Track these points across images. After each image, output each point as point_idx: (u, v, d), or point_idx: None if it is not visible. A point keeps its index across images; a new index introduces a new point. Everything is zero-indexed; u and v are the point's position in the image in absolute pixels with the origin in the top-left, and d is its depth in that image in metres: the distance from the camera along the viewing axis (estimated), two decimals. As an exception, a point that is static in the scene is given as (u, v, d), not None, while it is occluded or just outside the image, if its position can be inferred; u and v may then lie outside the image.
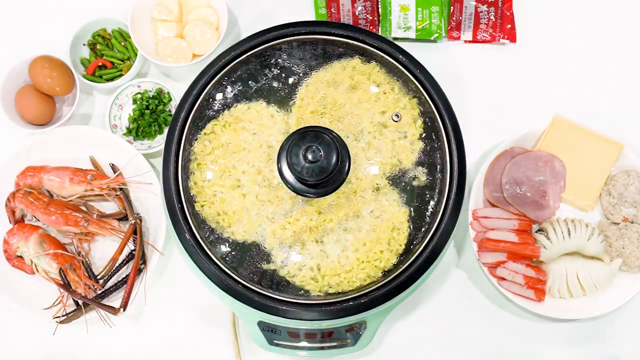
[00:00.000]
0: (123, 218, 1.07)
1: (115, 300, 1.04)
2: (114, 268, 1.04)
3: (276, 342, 0.96)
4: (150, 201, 1.08)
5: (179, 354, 1.08)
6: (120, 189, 1.07)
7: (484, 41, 1.16)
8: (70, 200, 1.07)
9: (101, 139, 1.09)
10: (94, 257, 1.08)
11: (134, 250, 1.05)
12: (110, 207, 1.10)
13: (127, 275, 1.03)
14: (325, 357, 1.02)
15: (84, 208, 1.09)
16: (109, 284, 1.04)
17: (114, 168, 1.09)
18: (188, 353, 1.07)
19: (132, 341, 1.08)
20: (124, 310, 1.01)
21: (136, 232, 1.04)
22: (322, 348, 0.96)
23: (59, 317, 1.03)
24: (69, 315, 1.03)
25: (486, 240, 1.02)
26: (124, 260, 1.05)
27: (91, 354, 1.08)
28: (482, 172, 1.06)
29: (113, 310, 1.00)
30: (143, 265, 1.03)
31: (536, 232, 1.04)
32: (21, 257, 1.05)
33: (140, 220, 1.06)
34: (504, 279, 1.01)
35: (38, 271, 1.03)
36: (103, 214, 1.07)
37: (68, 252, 1.05)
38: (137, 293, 1.03)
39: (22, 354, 1.09)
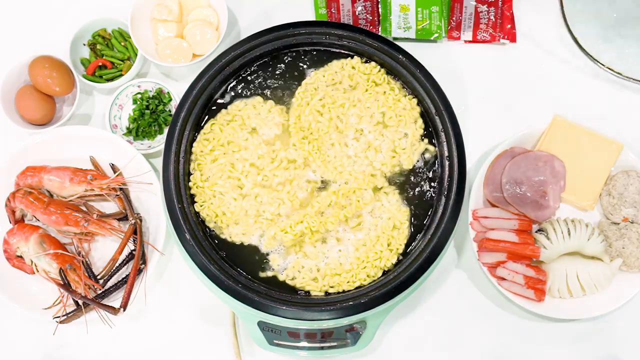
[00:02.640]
0: (123, 218, 1.07)
1: (115, 300, 1.04)
2: (114, 268, 1.04)
3: (276, 342, 0.96)
4: (150, 201, 1.07)
5: (179, 354, 1.07)
6: (120, 189, 1.07)
7: (484, 41, 1.16)
8: (70, 200, 1.07)
9: (101, 139, 1.09)
10: (94, 257, 1.08)
11: (134, 250, 1.05)
12: (110, 207, 1.10)
13: (127, 275, 1.03)
14: (325, 357, 1.02)
15: (84, 208, 1.09)
16: (109, 284, 1.04)
17: (114, 168, 1.09)
18: (188, 353, 1.07)
19: (132, 341, 1.08)
20: (124, 310, 1.00)
21: (136, 232, 1.04)
22: (322, 348, 0.96)
23: (59, 317, 1.03)
24: (69, 315, 1.03)
25: (486, 240, 1.02)
26: (124, 260, 1.05)
27: (91, 354, 1.08)
28: (482, 172, 1.06)
29: (113, 310, 1.00)
30: (143, 265, 1.03)
31: (536, 232, 1.04)
32: (21, 257, 1.05)
33: (140, 220, 1.06)
34: (504, 279, 1.01)
35: (38, 271, 1.03)
36: (103, 214, 1.07)
37: (68, 252, 1.05)
38: (137, 293, 1.03)
39: (22, 354, 1.09)
